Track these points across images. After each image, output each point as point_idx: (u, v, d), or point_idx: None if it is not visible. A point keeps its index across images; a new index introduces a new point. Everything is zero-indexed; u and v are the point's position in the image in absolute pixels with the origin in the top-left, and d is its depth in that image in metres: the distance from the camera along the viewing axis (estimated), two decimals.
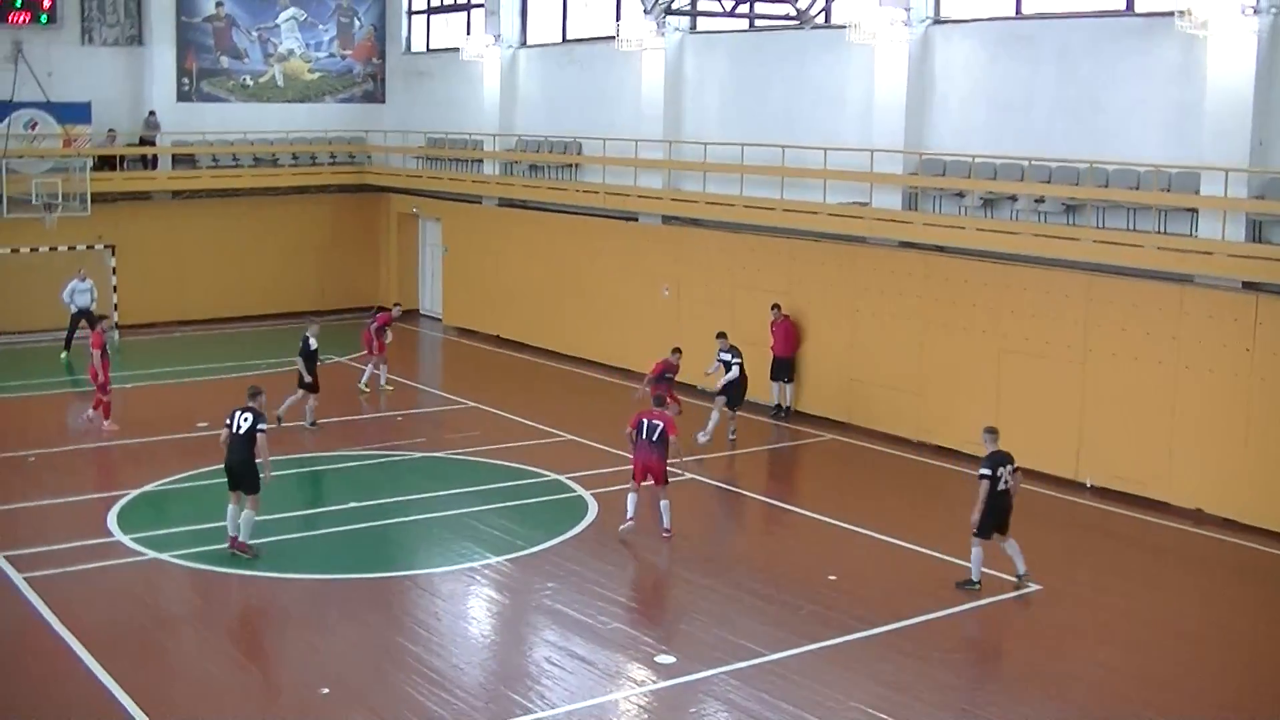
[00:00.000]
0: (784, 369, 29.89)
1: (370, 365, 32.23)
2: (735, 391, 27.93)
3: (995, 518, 19.28)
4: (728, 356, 27.93)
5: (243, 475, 20.46)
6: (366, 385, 32.19)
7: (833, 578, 20.14)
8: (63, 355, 36.15)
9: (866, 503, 24.17)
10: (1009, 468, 19.38)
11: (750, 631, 17.99)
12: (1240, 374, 23.10)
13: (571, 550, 21.19)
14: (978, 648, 17.99)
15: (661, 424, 21.67)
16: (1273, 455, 22.78)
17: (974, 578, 19.52)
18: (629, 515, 21.69)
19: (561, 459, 26.20)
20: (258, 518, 20.66)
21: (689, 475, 24.27)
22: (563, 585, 19.60)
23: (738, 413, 28.03)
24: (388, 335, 32.40)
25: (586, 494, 23.96)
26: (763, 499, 24.78)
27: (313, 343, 28.54)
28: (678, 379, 27.51)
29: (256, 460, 20.36)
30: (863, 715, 15.64)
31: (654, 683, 16.49)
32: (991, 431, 19.64)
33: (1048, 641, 18.34)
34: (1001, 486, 19.23)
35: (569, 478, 24.96)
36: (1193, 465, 23.86)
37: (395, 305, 33.85)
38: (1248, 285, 23.23)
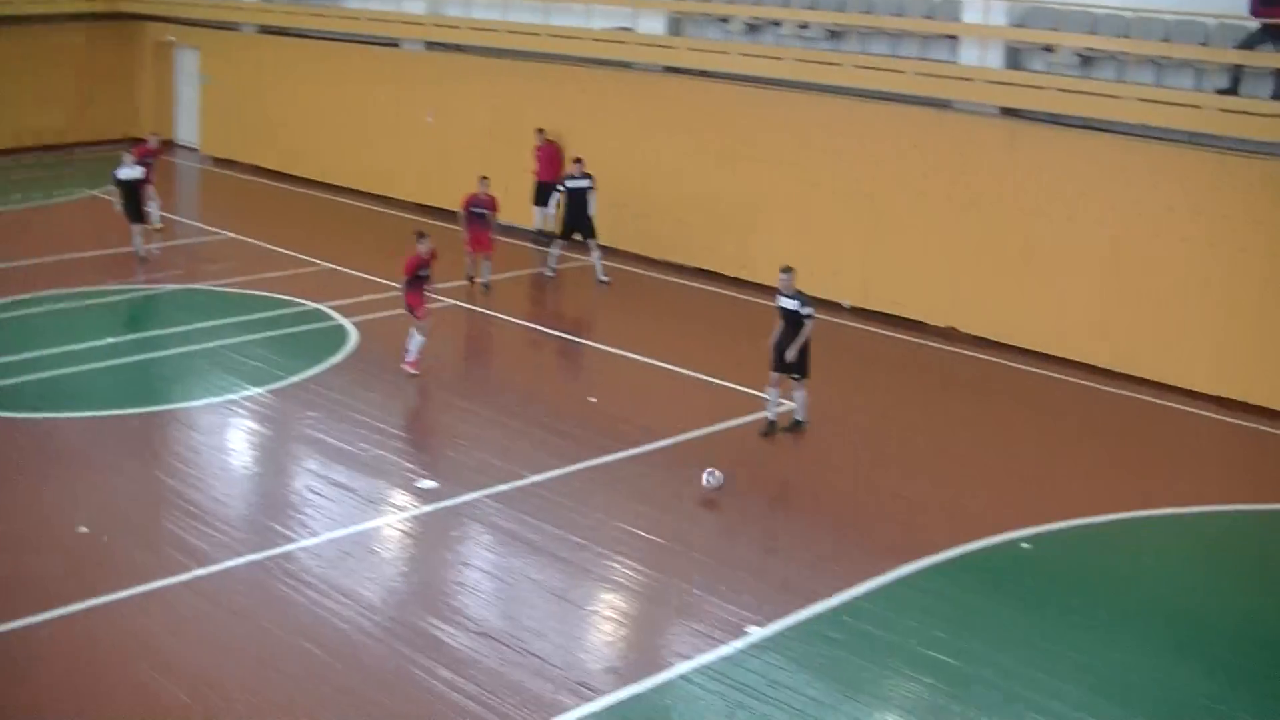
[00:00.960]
0: (546, 193, 29.47)
1: (151, 204, 30.17)
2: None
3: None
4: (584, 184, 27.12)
5: None
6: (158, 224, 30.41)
7: (593, 400, 20.22)
8: None
9: (627, 326, 24.33)
10: None
11: (512, 454, 18.05)
12: (995, 197, 23.54)
13: (332, 379, 20.96)
14: (743, 468, 18.15)
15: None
16: (1017, 274, 23.37)
17: (799, 417, 19.28)
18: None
19: (321, 288, 25.82)
20: None
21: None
22: (324, 414, 19.39)
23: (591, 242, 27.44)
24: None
25: (346, 322, 23.66)
26: (524, 324, 24.72)
27: (122, 173, 27.90)
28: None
29: None
30: (624, 534, 15.83)
31: (416, 507, 16.46)
32: (790, 270, 19.01)
33: (798, 459, 18.71)
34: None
35: (329, 306, 24.62)
36: (945, 285, 24.35)
37: (151, 135, 32.34)
38: (1006, 111, 23.61)
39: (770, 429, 19.17)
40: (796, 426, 19.29)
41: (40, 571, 14.78)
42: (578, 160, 27.50)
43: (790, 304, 18.87)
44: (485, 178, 26.58)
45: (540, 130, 29.71)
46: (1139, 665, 13.50)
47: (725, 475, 16.82)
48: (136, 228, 28.16)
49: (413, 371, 21.12)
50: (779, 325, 19.03)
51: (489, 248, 26.26)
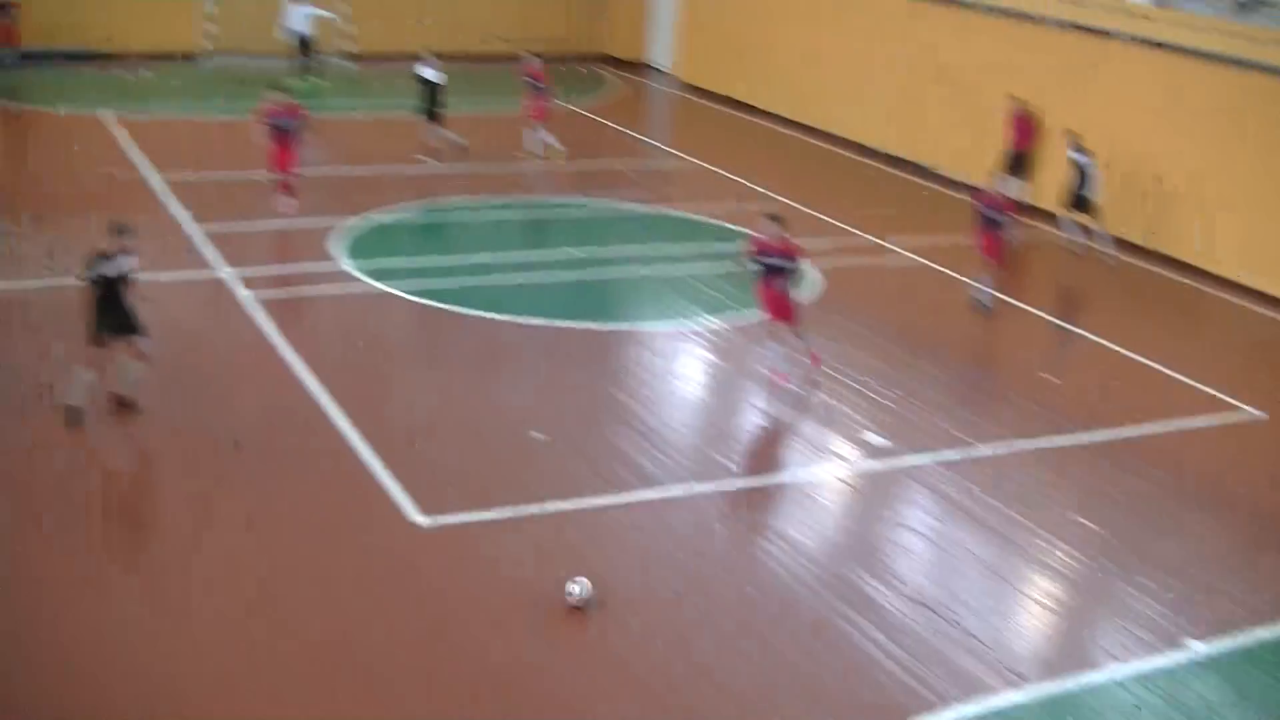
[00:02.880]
0: (1020, 164, 28.92)
1: (536, 130, 29.98)
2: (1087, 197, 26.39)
3: None
4: (1081, 158, 26.29)
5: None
6: (542, 151, 30.09)
7: (1051, 379, 19.70)
8: (304, 80, 36.45)
9: (1105, 311, 23.48)
10: None
11: (966, 422, 17.80)
12: None
13: None
14: (1207, 474, 17.46)
15: None
16: None
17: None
18: None
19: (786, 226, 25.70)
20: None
21: None
22: (779, 354, 19.43)
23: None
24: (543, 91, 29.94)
25: (812, 266, 23.59)
26: (971, 283, 24.20)
27: (424, 71, 28.48)
28: None
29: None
30: (1070, 521, 15.43)
31: (862, 461, 16.42)
32: None
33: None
34: None
35: None
36: None
37: (534, 56, 30.73)
38: None
39: None
40: None
41: (482, 469, 15.43)
42: (1069, 132, 26.71)
43: None
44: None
45: (1014, 97, 28.93)
46: None
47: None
48: (432, 127, 28.44)
49: (783, 384, 18.51)
50: None
51: (999, 259, 22.45)
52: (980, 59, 31.10)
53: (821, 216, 26.86)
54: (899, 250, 24.87)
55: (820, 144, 34.51)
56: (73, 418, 15.46)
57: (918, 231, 26.42)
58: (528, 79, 29.76)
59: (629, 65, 43.94)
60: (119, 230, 15.56)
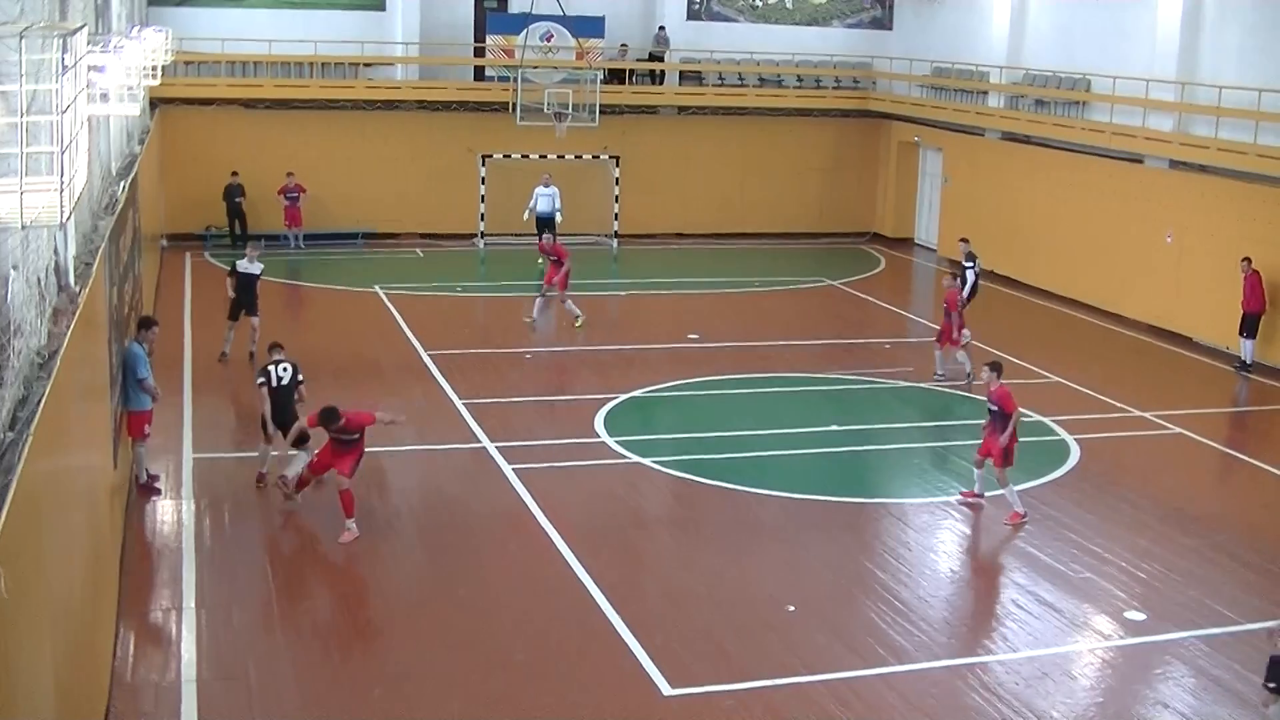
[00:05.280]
0: (1251, 325, 28.46)
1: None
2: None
3: None
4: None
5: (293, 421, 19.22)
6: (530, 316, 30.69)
7: None
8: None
9: None
10: None
11: (1227, 597, 17.24)
12: None
13: (1049, 494, 20.73)
14: None
15: None
16: None
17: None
18: None
19: (1047, 400, 25.47)
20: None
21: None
22: (1037, 528, 19.17)
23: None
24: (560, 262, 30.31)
25: (1070, 438, 23.38)
26: (1235, 454, 23.58)
27: (242, 265, 26.59)
28: None
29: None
30: None
31: (1120, 638, 16.05)
32: None
33: None
34: None
35: (1054, 420, 24.35)
36: None
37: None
38: None
39: None
40: None
41: (732, 641, 15.48)
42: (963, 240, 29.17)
43: None
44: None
45: (1246, 259, 28.45)
46: None
47: None
48: (237, 323, 26.61)
49: (1016, 521, 19.44)
50: None
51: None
52: (1230, 226, 30.58)
53: (1077, 388, 26.59)
54: (1157, 421, 24.44)
55: (1083, 316, 34.16)
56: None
57: (1175, 402, 25.96)
58: (549, 255, 30.54)
59: (897, 243, 44.41)
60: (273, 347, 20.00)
